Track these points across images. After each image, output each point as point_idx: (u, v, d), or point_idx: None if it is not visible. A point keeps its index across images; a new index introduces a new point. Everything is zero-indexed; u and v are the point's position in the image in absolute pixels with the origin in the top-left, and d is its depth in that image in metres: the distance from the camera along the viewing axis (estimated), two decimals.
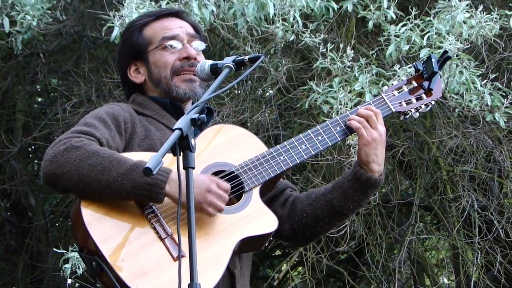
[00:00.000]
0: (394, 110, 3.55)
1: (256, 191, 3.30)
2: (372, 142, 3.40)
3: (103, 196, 3.11)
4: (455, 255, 7.88)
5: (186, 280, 2.81)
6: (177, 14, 3.57)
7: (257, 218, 3.26)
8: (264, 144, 3.41)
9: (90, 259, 3.08)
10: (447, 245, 8.59)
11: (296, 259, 7.72)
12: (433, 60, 3.56)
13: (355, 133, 3.43)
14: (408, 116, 3.61)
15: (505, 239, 7.01)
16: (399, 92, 3.59)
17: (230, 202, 3.23)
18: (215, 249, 3.15)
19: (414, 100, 3.60)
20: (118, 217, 3.11)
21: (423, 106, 3.61)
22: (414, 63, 3.70)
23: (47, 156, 3.13)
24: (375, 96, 3.51)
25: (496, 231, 6.94)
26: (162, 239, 3.10)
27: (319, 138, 3.42)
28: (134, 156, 3.16)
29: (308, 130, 3.43)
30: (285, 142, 3.39)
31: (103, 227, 3.08)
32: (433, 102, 3.63)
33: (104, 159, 3.08)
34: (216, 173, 3.26)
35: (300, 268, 9.72)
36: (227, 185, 3.19)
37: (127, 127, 3.31)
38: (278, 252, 10.99)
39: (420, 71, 3.61)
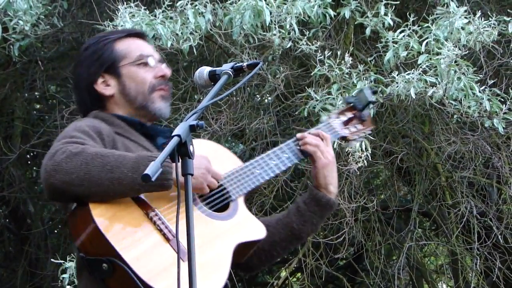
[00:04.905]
0: (341, 134, 3.73)
1: (241, 201, 3.41)
2: (329, 164, 3.55)
3: (116, 195, 3.08)
4: (454, 261, 7.88)
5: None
6: (144, 37, 3.61)
7: (248, 225, 3.38)
8: (238, 159, 3.53)
9: (100, 261, 3.04)
10: (446, 251, 8.58)
11: (295, 266, 7.70)
12: (366, 92, 3.75)
13: (308, 156, 3.58)
14: (347, 142, 3.79)
15: (504, 245, 7.00)
16: (339, 120, 3.77)
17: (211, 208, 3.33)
18: (216, 252, 3.21)
19: (352, 129, 3.77)
20: (125, 219, 3.10)
21: (361, 134, 3.79)
22: (346, 97, 3.87)
23: (48, 167, 3.04)
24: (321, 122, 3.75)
25: (495, 237, 6.93)
26: (168, 241, 3.11)
27: (285, 155, 3.57)
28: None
29: (274, 148, 3.58)
30: (257, 158, 3.53)
31: (114, 229, 3.06)
32: (368, 131, 3.81)
33: (109, 157, 3.05)
34: None
35: (299, 275, 9.71)
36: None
37: (109, 140, 3.27)
38: None
39: (352, 103, 3.79)
